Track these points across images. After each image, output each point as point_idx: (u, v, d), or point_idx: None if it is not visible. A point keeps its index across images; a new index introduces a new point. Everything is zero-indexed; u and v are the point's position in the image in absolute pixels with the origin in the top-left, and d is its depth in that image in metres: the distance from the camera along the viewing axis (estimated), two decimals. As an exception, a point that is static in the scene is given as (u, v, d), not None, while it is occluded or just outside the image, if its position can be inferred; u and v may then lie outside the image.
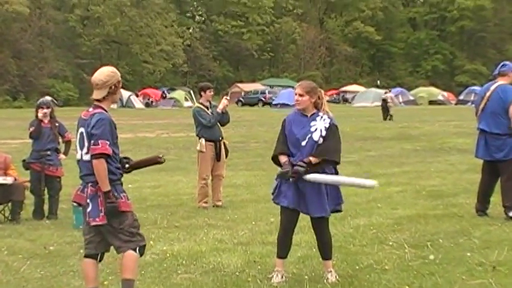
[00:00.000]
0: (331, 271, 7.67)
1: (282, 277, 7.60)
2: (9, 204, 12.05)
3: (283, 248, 7.70)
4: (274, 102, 69.55)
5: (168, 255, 8.83)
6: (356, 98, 74.67)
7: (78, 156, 6.67)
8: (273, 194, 7.82)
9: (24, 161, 12.44)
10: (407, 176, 16.93)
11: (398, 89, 78.87)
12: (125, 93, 67.00)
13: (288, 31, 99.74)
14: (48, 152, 12.22)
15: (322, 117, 7.55)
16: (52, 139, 12.33)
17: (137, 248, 6.70)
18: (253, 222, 11.08)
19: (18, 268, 8.41)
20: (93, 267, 6.74)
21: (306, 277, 7.70)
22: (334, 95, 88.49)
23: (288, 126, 7.59)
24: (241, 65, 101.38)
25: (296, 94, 7.60)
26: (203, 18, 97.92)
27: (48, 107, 12.39)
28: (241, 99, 75.88)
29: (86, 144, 6.54)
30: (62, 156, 12.55)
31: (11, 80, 69.65)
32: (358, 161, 21.05)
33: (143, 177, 16.97)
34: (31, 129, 12.33)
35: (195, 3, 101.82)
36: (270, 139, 28.89)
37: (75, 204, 6.96)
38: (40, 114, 12.27)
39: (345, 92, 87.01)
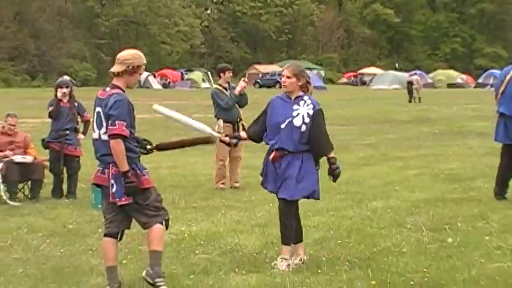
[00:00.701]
0: (300, 254, 7.67)
1: (289, 265, 7.45)
2: (29, 182, 12.15)
3: (286, 234, 7.60)
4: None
5: (186, 235, 8.87)
6: (374, 81, 74.43)
7: (96, 136, 6.66)
8: (261, 176, 7.79)
9: (43, 140, 12.50)
10: (425, 159, 16.89)
11: (417, 72, 78.50)
12: (143, 74, 66.82)
13: (306, 13, 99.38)
14: (67, 132, 12.28)
15: (305, 101, 7.46)
16: (71, 119, 12.37)
17: (163, 221, 6.76)
18: (271, 204, 11.07)
19: (37, 246, 8.48)
20: (113, 246, 6.75)
21: (324, 258, 7.71)
22: (352, 78, 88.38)
23: (271, 109, 7.57)
24: (259, 46, 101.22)
25: (283, 76, 7.58)
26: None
27: (67, 87, 12.43)
28: (259, 81, 75.78)
29: (104, 123, 6.54)
30: (80, 136, 12.60)
31: (29, 60, 69.87)
32: (376, 143, 21.00)
33: (160, 157, 16.97)
34: (50, 108, 12.38)
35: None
36: (288, 121, 28.91)
37: (94, 186, 6.97)
38: (59, 94, 12.31)
39: (363, 74, 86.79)
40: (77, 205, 11.39)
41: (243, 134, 8.29)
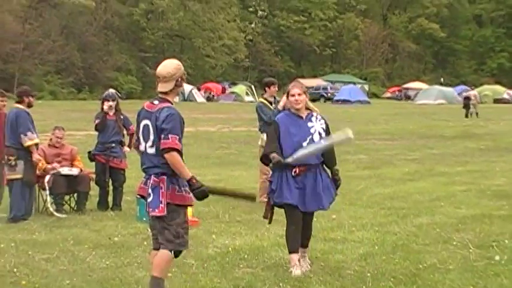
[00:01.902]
0: (305, 256, 8.06)
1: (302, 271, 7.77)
2: (75, 195, 12.27)
3: (295, 243, 7.88)
4: (335, 98, 69.25)
5: (230, 249, 8.87)
6: (419, 96, 73.84)
7: (142, 148, 6.67)
8: (273, 194, 7.91)
9: (89, 152, 12.63)
10: (471, 175, 16.71)
11: (462, 87, 77.80)
12: (187, 87, 67.38)
13: (351, 27, 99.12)
14: (113, 144, 12.39)
15: (316, 117, 7.90)
16: (117, 131, 12.49)
17: (173, 251, 6.62)
18: (315, 219, 10.93)
19: (83, 258, 8.55)
20: (169, 258, 6.64)
21: (368, 274, 7.67)
22: (397, 92, 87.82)
23: (284, 129, 7.78)
24: (302, 60, 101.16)
25: (295, 94, 7.84)
26: (265, 13, 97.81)
27: (113, 100, 12.55)
28: (303, 94, 75.64)
29: (152, 137, 6.53)
30: (126, 148, 12.69)
31: (76, 73, 70.62)
32: (421, 159, 20.85)
33: (204, 170, 17.07)
34: (96, 121, 12.50)
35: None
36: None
37: (139, 197, 6.99)
38: (105, 107, 12.43)
39: (408, 89, 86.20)
40: (122, 217, 11.47)
41: None
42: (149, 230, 6.92)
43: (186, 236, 6.64)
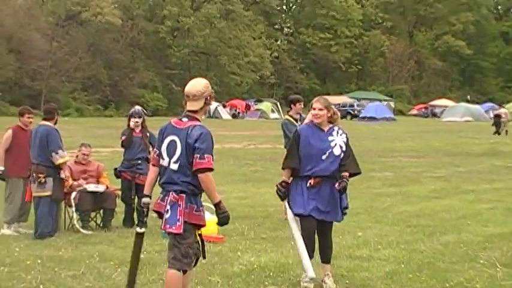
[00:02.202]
0: (328, 274, 8.08)
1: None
2: (101, 211, 12.32)
3: (310, 251, 7.94)
4: (361, 115, 69.14)
5: (255, 266, 8.86)
6: (445, 113, 73.54)
7: (165, 164, 6.68)
8: (290, 206, 8.07)
9: (115, 169, 12.67)
10: (498, 193, 16.59)
11: (489, 104, 77.42)
12: (213, 104, 67.54)
13: (377, 44, 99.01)
14: (139, 161, 12.43)
15: (337, 131, 8.08)
16: (143, 148, 12.53)
17: (181, 270, 6.65)
18: (340, 236, 11.01)
19: (109, 275, 8.57)
20: (179, 278, 6.68)
21: (395, 293, 7.62)
22: (423, 109, 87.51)
23: (305, 140, 7.97)
24: (328, 77, 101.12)
25: (315, 109, 8.02)
26: (291, 31, 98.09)
27: (140, 117, 12.60)
28: (330, 111, 75.68)
29: (178, 153, 6.56)
30: (152, 165, 12.72)
31: (102, 90, 71.06)
32: (447, 176, 20.72)
33: (230, 187, 17.08)
34: (123, 138, 12.56)
35: (283, 15, 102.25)
36: (357, 152, 28.60)
37: (154, 213, 7.01)
38: (132, 124, 12.49)
39: (434, 106, 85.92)
40: (147, 234, 11.38)
41: None
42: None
43: (193, 257, 6.71)
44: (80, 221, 11.89)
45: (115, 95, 71.69)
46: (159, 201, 6.73)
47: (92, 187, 12.09)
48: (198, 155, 6.45)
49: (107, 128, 42.24)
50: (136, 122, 12.50)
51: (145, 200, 6.90)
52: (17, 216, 11.88)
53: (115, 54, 74.21)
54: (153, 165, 6.89)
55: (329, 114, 8.07)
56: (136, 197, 12.42)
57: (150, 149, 12.74)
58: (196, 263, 6.87)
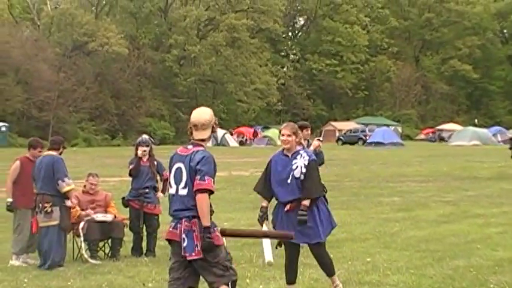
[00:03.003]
0: (338, 284, 8.69)
1: None
2: (109, 241, 12.31)
3: (291, 275, 8.65)
4: (368, 141, 69.13)
5: (265, 293, 8.82)
6: (453, 137, 73.41)
7: (173, 191, 6.78)
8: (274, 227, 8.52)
9: (123, 198, 12.68)
10: (508, 217, 16.52)
11: (497, 128, 77.30)
12: (220, 132, 67.72)
13: (383, 69, 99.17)
14: (147, 190, 12.44)
15: (302, 155, 8.45)
16: (150, 177, 12.54)
17: (230, 283, 6.72)
18: (349, 262, 10.98)
19: (118, 304, 8.55)
20: None
21: (404, 319, 7.58)
22: (430, 134, 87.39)
23: (274, 166, 8.46)
24: (335, 103, 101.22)
25: (284, 135, 8.41)
26: (297, 57, 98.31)
27: (147, 146, 12.63)
28: (341, 137, 75.89)
29: (184, 179, 6.67)
30: (160, 194, 12.74)
31: (109, 119, 71.32)
32: (455, 201, 20.65)
33: (237, 215, 17.06)
34: (130, 167, 12.58)
35: (289, 42, 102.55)
36: (365, 178, 28.69)
37: (167, 241, 7.01)
38: (139, 152, 12.51)
39: (441, 130, 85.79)
40: (156, 263, 11.47)
41: None
42: (170, 274, 6.95)
43: (233, 266, 6.86)
44: (88, 250, 11.89)
45: (122, 124, 71.91)
46: (171, 229, 6.81)
47: (100, 217, 12.10)
48: (199, 177, 6.58)
49: (115, 158, 42.31)
50: (144, 150, 12.52)
51: None
52: (25, 247, 11.88)
53: (122, 83, 74.54)
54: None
55: (297, 140, 8.48)
56: (144, 225, 12.43)
57: (158, 177, 12.78)
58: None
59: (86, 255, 11.74)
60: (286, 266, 8.60)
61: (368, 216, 17.18)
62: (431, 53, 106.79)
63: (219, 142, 66.59)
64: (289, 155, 8.46)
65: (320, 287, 9.19)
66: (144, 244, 12.46)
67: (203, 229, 6.57)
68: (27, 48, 66.76)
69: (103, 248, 12.38)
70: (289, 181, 8.34)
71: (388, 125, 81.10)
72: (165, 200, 12.47)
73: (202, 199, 6.55)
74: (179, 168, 6.73)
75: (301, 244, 8.73)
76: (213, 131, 6.91)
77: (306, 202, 8.31)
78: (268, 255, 7.70)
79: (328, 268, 8.64)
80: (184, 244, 6.63)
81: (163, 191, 12.82)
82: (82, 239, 11.85)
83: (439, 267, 10.40)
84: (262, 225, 8.42)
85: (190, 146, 6.83)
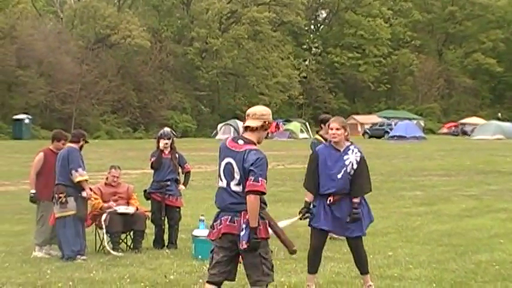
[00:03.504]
0: (370, 285, 8.58)
1: None
2: (131, 233, 12.35)
3: (314, 265, 8.62)
4: (390, 135, 68.91)
5: (285, 286, 8.82)
6: (476, 131, 73.01)
7: (223, 185, 6.82)
8: (310, 219, 8.59)
9: (145, 191, 12.72)
10: (531, 211, 16.42)
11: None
12: (242, 125, 67.69)
13: (406, 63, 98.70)
14: (168, 183, 12.46)
15: (353, 150, 8.45)
16: (172, 170, 12.56)
17: (267, 285, 6.81)
18: (371, 256, 10.93)
19: (139, 296, 8.57)
20: None
21: (426, 313, 7.55)
22: (453, 128, 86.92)
23: (323, 160, 8.39)
24: (357, 96, 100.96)
25: (332, 128, 8.39)
26: (319, 50, 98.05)
27: (169, 138, 12.64)
28: (368, 131, 75.78)
29: (237, 176, 6.71)
30: (181, 186, 12.76)
31: (132, 112, 71.56)
32: (479, 195, 20.54)
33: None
34: (152, 159, 12.60)
35: (311, 35, 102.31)
36: (387, 172, 28.58)
37: (222, 235, 6.93)
38: (161, 145, 12.53)
39: (464, 124, 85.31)
40: (177, 255, 11.50)
41: None
42: (209, 265, 6.99)
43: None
44: (111, 242, 11.93)
45: (144, 117, 72.13)
46: (228, 223, 6.79)
47: (122, 209, 12.13)
48: (253, 178, 6.62)
49: (137, 150, 42.45)
50: (166, 143, 12.54)
51: None
52: (48, 238, 11.94)
53: (144, 76, 74.74)
54: None
55: (346, 134, 8.44)
56: (166, 218, 12.46)
57: (180, 170, 12.80)
58: None
59: (108, 247, 11.79)
60: (310, 255, 8.59)
61: (390, 210, 17.13)
62: (454, 46, 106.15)
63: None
64: (341, 150, 8.45)
65: (341, 280, 9.17)
66: (165, 237, 12.48)
67: (250, 229, 6.63)
68: (50, 41, 67.10)
69: (125, 240, 12.43)
70: (339, 176, 8.34)
71: (410, 119, 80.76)
72: (186, 192, 12.52)
73: (254, 200, 6.60)
74: (229, 164, 6.77)
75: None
76: (264, 128, 6.89)
77: (357, 199, 8.40)
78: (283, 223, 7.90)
79: (363, 264, 8.60)
80: (242, 233, 6.67)
81: (185, 184, 12.86)
82: (104, 231, 11.90)
83: (461, 262, 10.35)
84: (302, 219, 8.53)
85: (241, 142, 6.83)
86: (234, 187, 6.74)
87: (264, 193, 6.67)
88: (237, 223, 6.71)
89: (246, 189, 6.61)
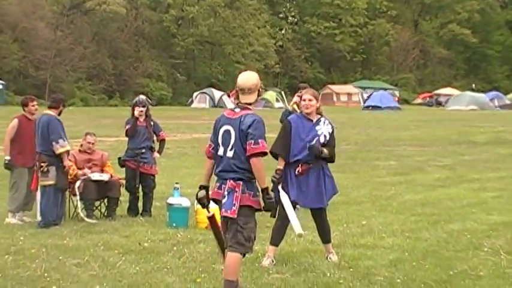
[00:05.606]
0: (332, 252, 8.77)
1: (272, 261, 8.47)
2: (106, 200, 12.33)
3: (278, 237, 8.67)
4: (365, 105, 69.04)
5: (259, 255, 8.86)
6: (450, 102, 73.33)
7: (221, 153, 6.93)
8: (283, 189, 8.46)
9: (119, 158, 12.69)
10: (503, 182, 16.58)
11: (495, 93, 77.14)
12: (217, 93, 67.67)
13: (382, 33, 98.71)
14: (143, 150, 12.44)
15: (324, 122, 8.66)
16: (147, 137, 12.54)
17: (243, 254, 6.94)
18: (345, 225, 11.04)
19: (114, 263, 8.58)
20: (239, 261, 6.99)
21: (398, 280, 7.64)
22: (428, 98, 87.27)
23: (295, 129, 8.50)
24: (333, 66, 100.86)
25: (305, 100, 8.56)
26: (296, 20, 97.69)
27: (144, 106, 12.61)
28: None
29: (232, 141, 6.83)
30: (156, 154, 12.75)
31: (107, 79, 71.05)
32: (452, 165, 20.70)
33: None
34: (127, 127, 12.57)
35: (288, 4, 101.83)
36: (362, 141, 28.71)
37: (212, 201, 7.12)
38: (136, 113, 12.49)
39: (439, 95, 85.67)
40: (152, 223, 11.51)
41: None
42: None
43: (254, 241, 7.04)
44: (85, 210, 11.90)
45: (119, 85, 71.69)
46: (216, 189, 6.98)
47: (96, 176, 12.09)
48: (253, 141, 6.75)
49: (112, 118, 42.26)
50: (141, 111, 12.50)
51: (200, 193, 7.10)
52: (22, 205, 11.91)
53: (119, 43, 74.17)
54: (209, 157, 7.15)
55: (317, 105, 8.61)
56: (140, 186, 12.45)
57: (155, 138, 12.78)
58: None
59: (82, 214, 11.76)
60: (278, 226, 8.59)
61: (364, 179, 17.23)
62: (430, 17, 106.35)
63: (216, 104, 66.47)
64: (313, 120, 8.60)
65: (315, 249, 9.23)
66: (140, 204, 12.48)
67: (261, 190, 6.81)
68: (24, 6, 66.30)
69: (99, 207, 12.41)
70: (312, 144, 8.45)
71: (385, 89, 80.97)
72: (161, 160, 12.50)
73: (257, 162, 6.74)
74: (227, 131, 6.89)
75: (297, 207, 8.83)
76: (259, 95, 7.05)
77: (326, 151, 8.50)
78: (298, 228, 7.88)
79: (326, 233, 8.77)
80: (224, 200, 6.83)
81: (159, 152, 12.85)
82: (78, 198, 11.87)
83: (433, 231, 10.45)
84: (277, 187, 8.34)
85: (238, 109, 6.98)
86: (228, 153, 6.87)
87: (265, 153, 6.83)
88: (222, 190, 6.87)
89: (248, 153, 6.75)
